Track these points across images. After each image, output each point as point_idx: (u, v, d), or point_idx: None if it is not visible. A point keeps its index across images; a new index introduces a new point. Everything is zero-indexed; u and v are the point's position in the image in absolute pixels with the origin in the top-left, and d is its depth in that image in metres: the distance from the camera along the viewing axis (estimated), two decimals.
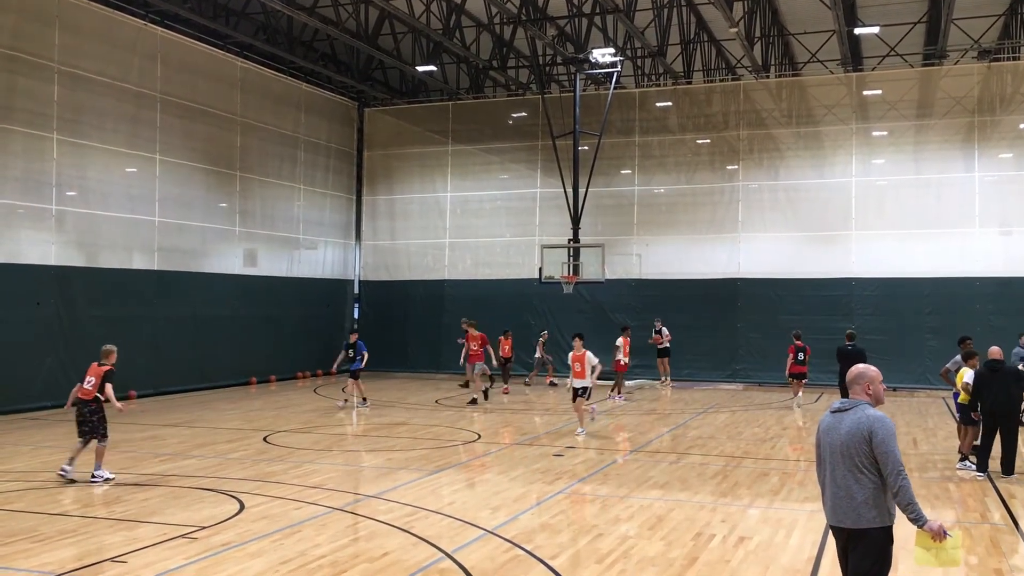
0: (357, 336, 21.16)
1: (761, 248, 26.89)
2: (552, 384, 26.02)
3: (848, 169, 26.37)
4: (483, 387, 22.06)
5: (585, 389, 16.43)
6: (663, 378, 25.86)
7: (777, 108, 27.50)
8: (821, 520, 10.12)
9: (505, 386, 24.35)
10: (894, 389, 24.84)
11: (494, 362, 23.16)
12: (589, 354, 16.33)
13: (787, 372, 21.26)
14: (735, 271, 27.03)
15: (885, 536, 5.49)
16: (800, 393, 21.34)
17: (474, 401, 21.41)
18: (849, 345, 18.63)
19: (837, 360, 18.26)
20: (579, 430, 16.49)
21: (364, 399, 20.83)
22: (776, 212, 26.93)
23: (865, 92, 26.41)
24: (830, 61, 27.80)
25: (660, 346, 25.50)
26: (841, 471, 5.51)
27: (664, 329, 25.32)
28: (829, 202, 26.37)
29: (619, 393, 22.76)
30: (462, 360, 23.15)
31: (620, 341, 22.56)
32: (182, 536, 9.09)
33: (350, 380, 20.79)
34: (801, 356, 21.10)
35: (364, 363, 20.73)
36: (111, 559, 8.26)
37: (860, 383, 5.66)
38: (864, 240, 25.93)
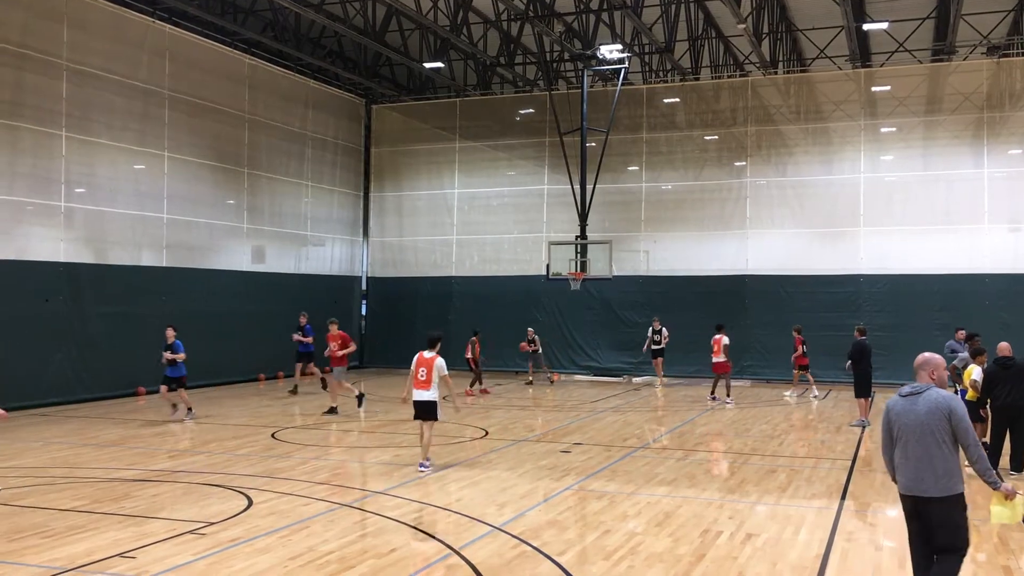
0: (175, 334, 17.74)
1: (769, 244, 26.83)
2: (550, 381, 26.01)
3: (857, 165, 26.29)
4: (356, 392, 19.03)
5: (430, 405, 12.57)
6: (658, 379, 25.44)
7: (785, 104, 27.42)
8: (829, 517, 10.14)
9: (482, 387, 23.33)
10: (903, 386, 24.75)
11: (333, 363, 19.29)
12: (440, 361, 12.67)
13: (797, 363, 22.48)
14: (743, 267, 26.98)
15: (962, 500, 6.24)
16: (802, 385, 22.69)
17: (333, 410, 18.38)
18: (865, 339, 18.24)
19: (858, 355, 17.70)
20: (423, 463, 12.57)
21: (190, 409, 17.77)
22: (784, 208, 26.86)
23: (874, 88, 26.32)
24: (838, 57, 27.70)
25: (656, 347, 24.96)
26: (922, 446, 6.22)
27: (663, 329, 24.85)
28: (837, 198, 26.30)
29: (728, 395, 21.61)
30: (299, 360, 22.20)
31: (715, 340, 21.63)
32: (191, 532, 9.12)
33: (164, 387, 17.60)
34: (804, 348, 22.37)
35: (183, 367, 17.64)
36: (120, 554, 8.30)
37: (926, 369, 6.42)
38: (873, 236, 25.86)
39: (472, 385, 23.15)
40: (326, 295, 29.22)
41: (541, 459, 13.68)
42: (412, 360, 12.74)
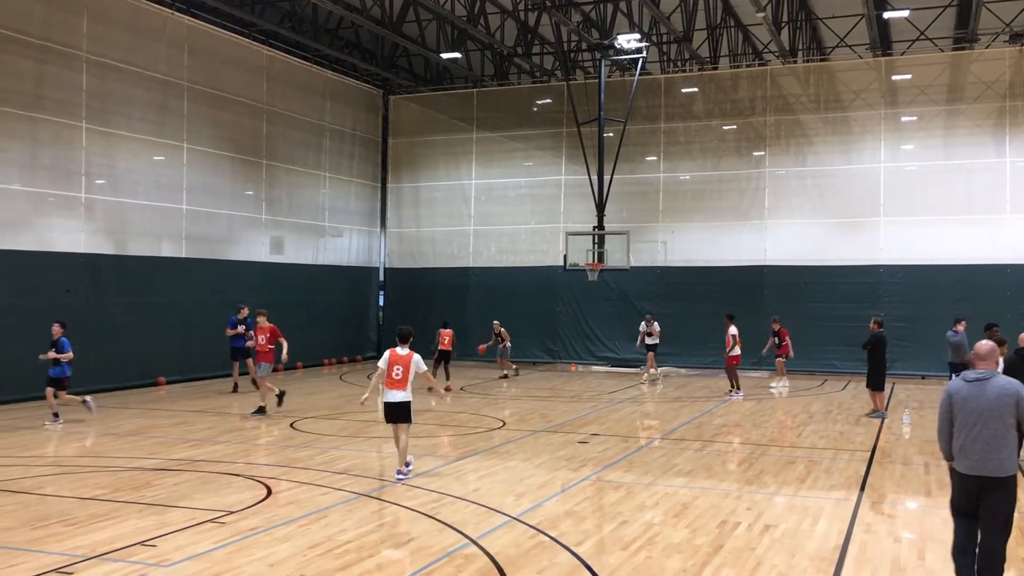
0: (62, 331, 15.91)
1: (788, 235, 26.68)
2: (504, 377, 24.93)
3: (877, 155, 26.07)
4: (276, 391, 17.46)
5: (405, 406, 11.46)
6: (646, 371, 24.71)
7: (805, 93, 27.22)
8: (848, 508, 10.10)
9: (448, 383, 21.77)
10: (923, 377, 24.64)
11: (284, 356, 17.51)
12: (417, 357, 11.60)
13: (765, 351, 23.07)
14: (761, 258, 26.85)
15: (1016, 481, 6.75)
16: (778, 379, 23.03)
17: (261, 410, 16.99)
18: (882, 331, 17.98)
19: (875, 347, 17.38)
20: (400, 470, 11.46)
21: (56, 415, 15.73)
22: (803, 199, 26.70)
23: (894, 77, 26.08)
24: (859, 46, 27.45)
25: (650, 341, 24.35)
26: (990, 430, 6.62)
27: (656, 324, 24.24)
28: (857, 188, 26.10)
29: (737, 390, 20.92)
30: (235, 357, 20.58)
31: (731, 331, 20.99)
32: (211, 520, 9.20)
33: (49, 390, 15.84)
34: (776, 340, 22.70)
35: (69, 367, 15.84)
36: (141, 543, 8.38)
37: (992, 357, 6.83)
38: (893, 227, 25.66)
39: (448, 378, 22.09)
40: (344, 286, 29.35)
41: (558, 450, 13.70)
42: (383, 358, 11.61)
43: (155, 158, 22.25)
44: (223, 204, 24.38)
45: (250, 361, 19.58)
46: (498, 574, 7.57)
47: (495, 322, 25.07)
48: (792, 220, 26.72)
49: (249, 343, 18.73)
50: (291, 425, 15.87)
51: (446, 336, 22.02)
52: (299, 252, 27.59)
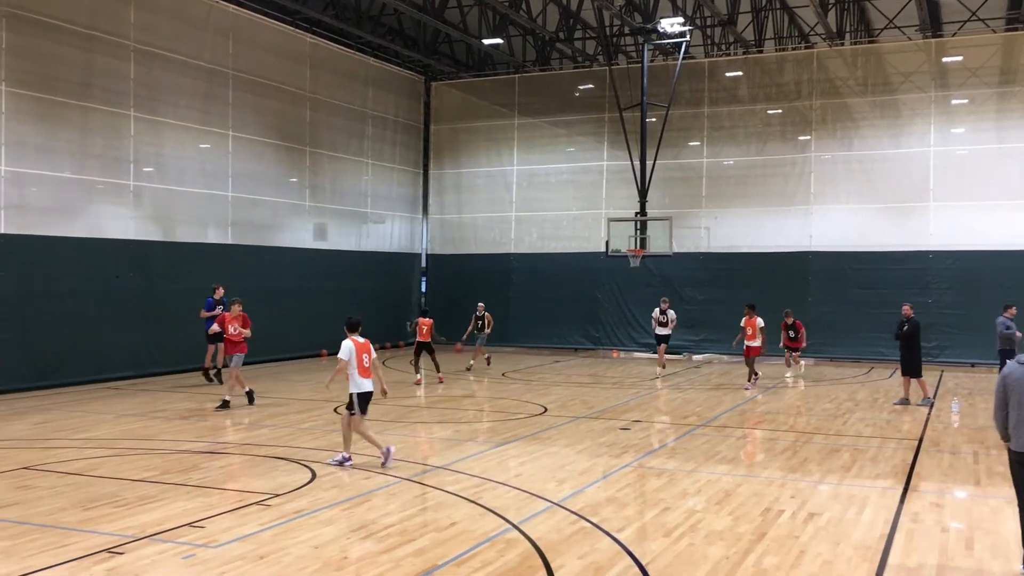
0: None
1: (834, 220, 26.30)
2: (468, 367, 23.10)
3: (926, 138, 25.57)
4: (245, 389, 16.32)
5: (366, 397, 11.38)
6: (659, 369, 22.42)
7: (852, 76, 26.77)
8: (894, 497, 9.97)
9: (439, 374, 20.65)
10: (972, 365, 24.21)
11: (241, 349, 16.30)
12: (347, 343, 11.41)
13: (780, 344, 22.43)
14: (806, 244, 26.51)
15: None
16: (793, 365, 22.69)
17: (226, 404, 15.79)
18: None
19: (918, 333, 17.13)
20: (334, 459, 11.39)
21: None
22: (850, 183, 26.29)
23: (945, 59, 25.53)
24: (908, 27, 26.89)
25: (661, 331, 22.39)
26: None
27: (671, 312, 22.40)
28: (906, 172, 25.63)
29: (752, 380, 19.93)
30: (218, 354, 18.74)
31: (743, 321, 19.98)
32: (257, 503, 9.34)
33: None
34: (792, 334, 22.22)
35: None
36: (190, 524, 8.54)
37: None
38: (942, 211, 25.18)
39: (438, 370, 20.64)
40: (386, 272, 29.55)
41: (600, 436, 13.68)
42: (345, 348, 11.25)
43: (201, 146, 22.53)
44: (267, 191, 24.65)
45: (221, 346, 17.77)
46: (539, 559, 7.60)
47: (480, 304, 23.44)
48: (838, 205, 26.34)
49: (212, 329, 16.99)
50: (335, 410, 16.03)
51: (424, 326, 20.35)
52: (342, 238, 27.81)
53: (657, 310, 22.60)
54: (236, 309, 16.46)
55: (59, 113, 18.87)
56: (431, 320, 20.62)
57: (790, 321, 22.09)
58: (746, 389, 19.52)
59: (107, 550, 7.68)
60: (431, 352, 20.36)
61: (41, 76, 18.46)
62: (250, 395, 16.37)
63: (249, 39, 23.78)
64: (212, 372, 19.55)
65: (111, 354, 19.82)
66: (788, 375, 22.09)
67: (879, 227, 25.77)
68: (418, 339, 20.43)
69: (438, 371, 20.60)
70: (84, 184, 19.56)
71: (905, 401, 17.30)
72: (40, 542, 7.90)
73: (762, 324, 19.89)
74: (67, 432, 13.64)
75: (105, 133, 19.91)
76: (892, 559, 7.77)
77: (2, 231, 17.76)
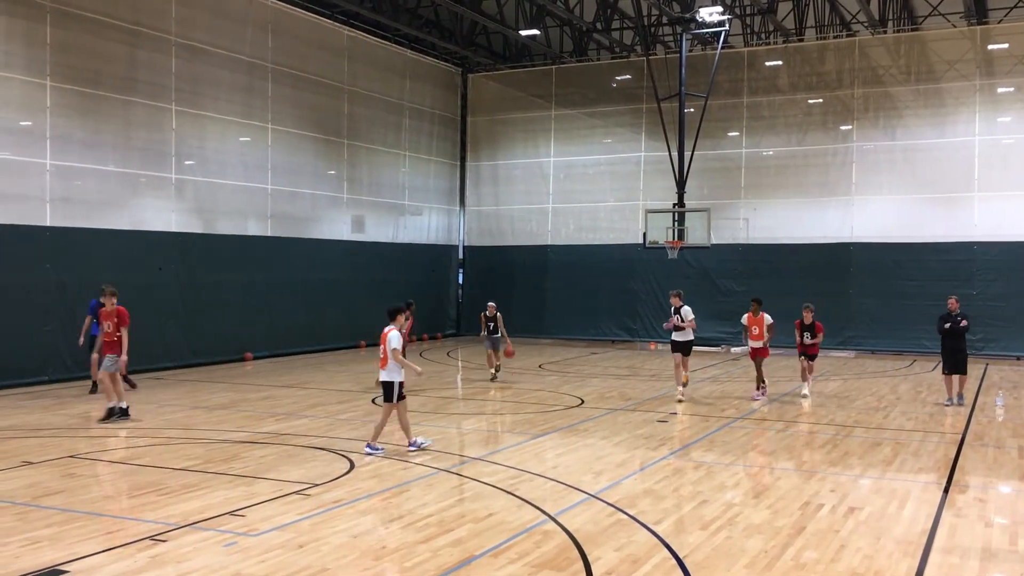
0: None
1: (876, 211, 25.94)
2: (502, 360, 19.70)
3: (971, 127, 25.09)
4: (122, 403, 13.87)
5: (386, 387, 11.50)
6: (680, 389, 16.75)
7: (895, 65, 26.34)
8: (936, 491, 9.83)
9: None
10: (1018, 358, 23.78)
11: (124, 356, 13.86)
12: (392, 334, 11.51)
13: (797, 351, 17.23)
14: (848, 235, 26.17)
15: None
16: (809, 380, 17.24)
17: (111, 414, 13.72)
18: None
19: (966, 332, 16.20)
20: (370, 448, 11.44)
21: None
22: (893, 173, 25.90)
23: (990, 46, 25.02)
24: (953, 14, 26.39)
25: (678, 336, 16.68)
26: None
27: (686, 310, 16.47)
28: (950, 162, 25.19)
29: (760, 388, 16.97)
30: (96, 349, 15.09)
31: (745, 318, 17.07)
32: (296, 492, 9.44)
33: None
34: (809, 337, 16.92)
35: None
36: (231, 512, 8.65)
37: None
38: (988, 201, 24.72)
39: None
40: (424, 264, 29.67)
41: (637, 428, 13.64)
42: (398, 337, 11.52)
43: (241, 139, 22.76)
44: (306, 183, 24.84)
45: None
46: (576, 551, 7.60)
47: (490, 304, 19.35)
48: (881, 196, 25.96)
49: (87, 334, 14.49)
50: (372, 401, 16.15)
51: (408, 323, 15.41)
52: (379, 230, 27.96)
53: (672, 308, 16.75)
54: (111, 303, 14.01)
55: (103, 107, 19.16)
56: (410, 317, 15.72)
57: (808, 320, 16.85)
58: (754, 399, 16.61)
59: (150, 537, 7.81)
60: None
61: (85, 71, 18.75)
62: (124, 410, 13.84)
63: (288, 33, 23.95)
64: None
65: (153, 345, 20.08)
66: (804, 390, 17.02)
67: (922, 218, 25.37)
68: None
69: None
70: (127, 177, 19.85)
71: (956, 400, 16.15)
72: (86, 529, 8.06)
73: (770, 321, 16.72)
74: (111, 421, 13.87)
75: (148, 127, 20.19)
76: (934, 554, 7.66)
77: (48, 224, 18.09)
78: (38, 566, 7.05)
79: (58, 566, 7.05)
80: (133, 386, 16.70)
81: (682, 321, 16.43)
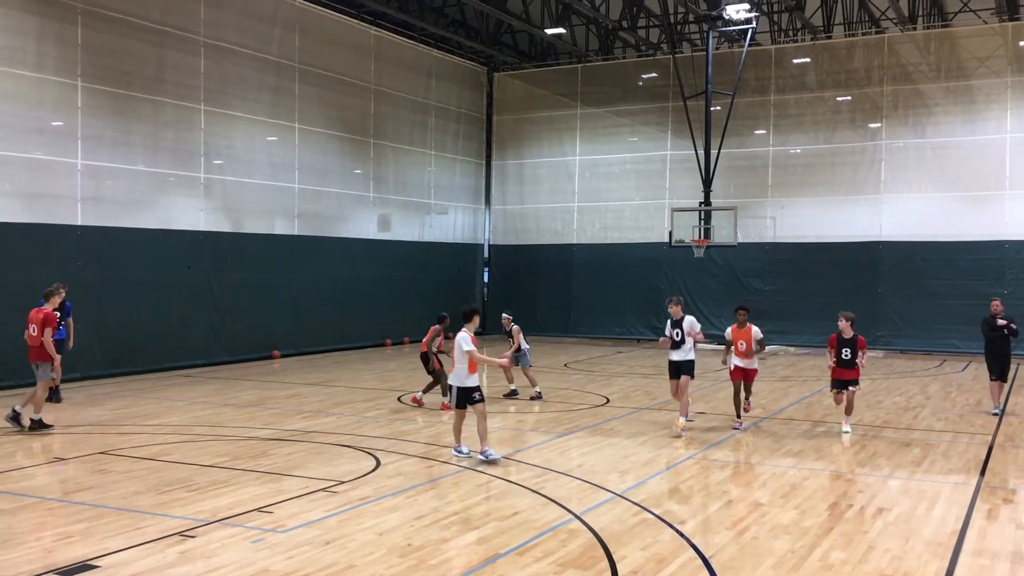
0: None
1: (905, 209, 25.68)
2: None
3: (1003, 125, 24.78)
4: (37, 415, 12.53)
5: (469, 391, 10.91)
6: (680, 422, 13.18)
7: (925, 62, 26.06)
8: (966, 493, 9.73)
9: (418, 394, 15.58)
10: None
11: (55, 361, 12.72)
12: (461, 336, 10.91)
13: (830, 375, 13.39)
14: (876, 234, 25.93)
15: None
16: (848, 415, 13.33)
17: (23, 424, 12.41)
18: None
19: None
20: (461, 448, 11.23)
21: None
22: (922, 171, 25.62)
23: (1022, 43, 24.69)
24: (984, 10, 26.07)
25: (676, 356, 13.36)
26: None
27: (689, 321, 13.30)
28: (981, 160, 24.89)
29: (746, 409, 13.96)
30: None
31: (729, 332, 13.92)
32: (323, 489, 9.51)
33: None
34: (847, 352, 12.94)
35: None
36: (259, 509, 8.73)
37: None
38: (1019, 199, 24.41)
39: (445, 394, 14.86)
40: (449, 263, 29.74)
41: (663, 427, 13.60)
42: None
43: (268, 138, 22.92)
44: (332, 183, 24.98)
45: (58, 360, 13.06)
46: (601, 550, 7.59)
47: (505, 316, 16.95)
48: (910, 194, 25.70)
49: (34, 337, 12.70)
50: (398, 399, 16.23)
51: (430, 333, 15.28)
52: (405, 229, 28.06)
53: (668, 321, 13.50)
54: (53, 302, 12.93)
55: (133, 108, 19.36)
56: (434, 327, 15.32)
57: (848, 333, 12.95)
58: (735, 428, 13.44)
59: (180, 533, 7.90)
60: (429, 369, 15.24)
61: (115, 71, 18.96)
62: (39, 422, 12.54)
63: (315, 32, 24.09)
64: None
65: (182, 342, 20.32)
66: (846, 427, 13.26)
67: (953, 216, 25.08)
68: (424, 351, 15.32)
69: (422, 392, 15.54)
70: (156, 176, 20.06)
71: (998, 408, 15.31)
72: (116, 524, 8.16)
73: (759, 336, 13.57)
74: (141, 418, 14.04)
75: (176, 126, 20.38)
76: (964, 556, 7.58)
77: (79, 223, 18.32)
78: (69, 561, 7.15)
79: (89, 560, 7.15)
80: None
81: (681, 336, 13.20)
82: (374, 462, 10.91)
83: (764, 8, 27.11)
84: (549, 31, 26.89)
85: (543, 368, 21.37)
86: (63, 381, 15.07)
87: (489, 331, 30.85)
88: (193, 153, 20.78)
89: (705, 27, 26.09)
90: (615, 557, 7.38)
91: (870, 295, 25.39)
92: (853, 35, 27.66)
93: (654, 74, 29.27)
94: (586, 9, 25.57)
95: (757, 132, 27.75)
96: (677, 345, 13.32)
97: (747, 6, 23.80)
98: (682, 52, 27.53)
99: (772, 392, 17.90)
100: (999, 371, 15.04)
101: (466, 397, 10.96)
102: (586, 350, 26.26)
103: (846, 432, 13.16)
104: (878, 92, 26.25)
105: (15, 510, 8.68)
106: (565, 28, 27.61)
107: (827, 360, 13.29)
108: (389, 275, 26.55)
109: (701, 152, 25.89)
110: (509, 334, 16.49)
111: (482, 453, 10.95)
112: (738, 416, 13.61)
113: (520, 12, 26.86)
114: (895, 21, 26.37)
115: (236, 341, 21.52)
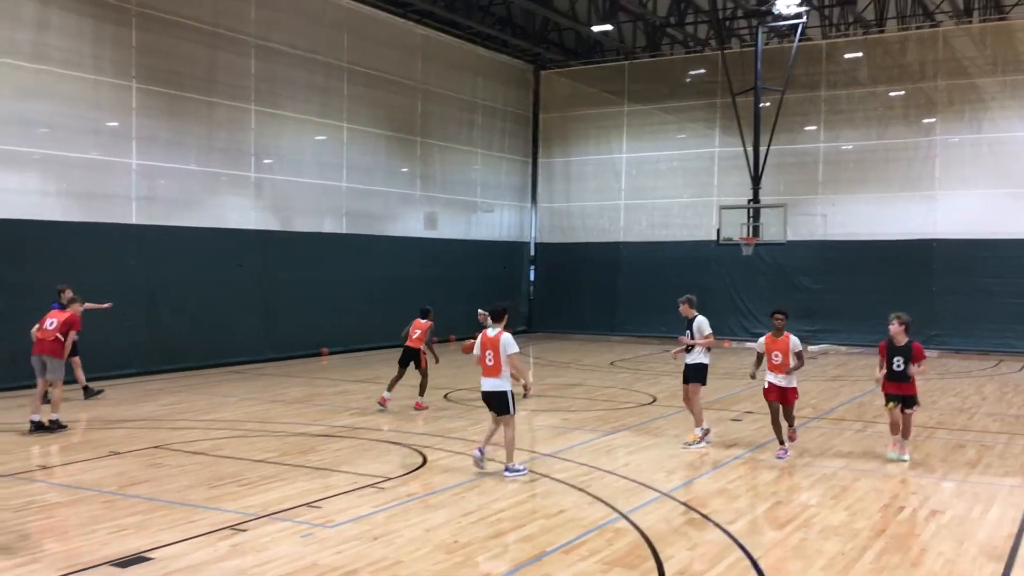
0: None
1: (960, 206, 25.14)
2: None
3: None
4: (35, 416, 12.50)
5: (499, 396, 10.08)
6: (696, 433, 12.25)
7: (980, 56, 25.48)
8: (1022, 495, 9.49)
9: (420, 399, 15.04)
10: None
11: (75, 361, 13.58)
12: (506, 337, 10.06)
13: (881, 388, 11.37)
14: (931, 231, 25.43)
15: None
16: (900, 440, 11.22)
17: (62, 425, 12.65)
18: None
19: None
20: (508, 466, 10.14)
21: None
22: (978, 167, 25.06)
23: None
24: None
25: (689, 359, 12.64)
26: None
27: (700, 322, 12.53)
28: None
29: (791, 437, 11.64)
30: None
31: (762, 342, 11.91)
32: (371, 485, 9.59)
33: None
34: (899, 362, 11.02)
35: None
36: (308, 504, 8.84)
37: None
38: None
39: (421, 393, 15.04)
40: (496, 261, 29.79)
41: (711, 427, 13.47)
42: (476, 343, 10.34)
43: (317, 138, 23.17)
44: (380, 181, 25.18)
45: (76, 359, 14.39)
46: (648, 549, 7.56)
47: (481, 312, 14.77)
48: (966, 191, 25.16)
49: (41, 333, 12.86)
50: (444, 396, 16.31)
51: (418, 328, 15.21)
52: (452, 227, 28.17)
53: (685, 323, 12.74)
54: (76, 308, 13.19)
55: (186, 108, 19.70)
56: (430, 322, 15.37)
57: (901, 340, 11.01)
58: (779, 457, 11.32)
59: (231, 527, 8.03)
60: (418, 365, 14.95)
61: (168, 73, 19.30)
62: (37, 424, 12.49)
63: (363, 32, 24.29)
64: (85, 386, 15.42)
65: (233, 339, 20.63)
66: (892, 454, 11.23)
67: (1010, 213, 24.50)
68: (406, 344, 15.13)
69: (420, 392, 15.06)
70: (209, 176, 20.39)
71: None
72: (169, 518, 8.32)
73: (798, 347, 11.40)
74: (194, 413, 14.29)
75: (228, 127, 20.70)
76: (1020, 560, 7.42)
77: (134, 222, 18.69)
78: (124, 553, 7.30)
79: (143, 553, 7.30)
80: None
81: (692, 338, 12.34)
82: (421, 459, 10.98)
83: (815, 2, 26.73)
84: (596, 28, 26.80)
85: (589, 366, 21.33)
86: (109, 377, 15.43)
87: (536, 327, 30.90)
88: (244, 153, 21.09)
89: (754, 22, 25.80)
90: (662, 557, 7.35)
91: (924, 294, 24.90)
92: (906, 29, 27.16)
93: (702, 70, 29.02)
94: (633, 6, 25.45)
95: (807, 128, 27.36)
96: (689, 348, 12.33)
97: (797, 1, 23.50)
98: (731, 48, 27.27)
99: (823, 392, 17.66)
100: None
101: (514, 402, 10.14)
102: (632, 348, 26.14)
103: (901, 459, 11.08)
104: (932, 87, 25.74)
105: (73, 503, 8.89)
106: (612, 25, 27.49)
107: (875, 372, 11.36)
108: (436, 273, 26.67)
109: (750, 149, 25.63)
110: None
111: (507, 469, 10.06)
112: (781, 443, 11.43)
113: (567, 10, 26.80)
114: (950, 14, 25.83)
115: (285, 338, 21.80)
